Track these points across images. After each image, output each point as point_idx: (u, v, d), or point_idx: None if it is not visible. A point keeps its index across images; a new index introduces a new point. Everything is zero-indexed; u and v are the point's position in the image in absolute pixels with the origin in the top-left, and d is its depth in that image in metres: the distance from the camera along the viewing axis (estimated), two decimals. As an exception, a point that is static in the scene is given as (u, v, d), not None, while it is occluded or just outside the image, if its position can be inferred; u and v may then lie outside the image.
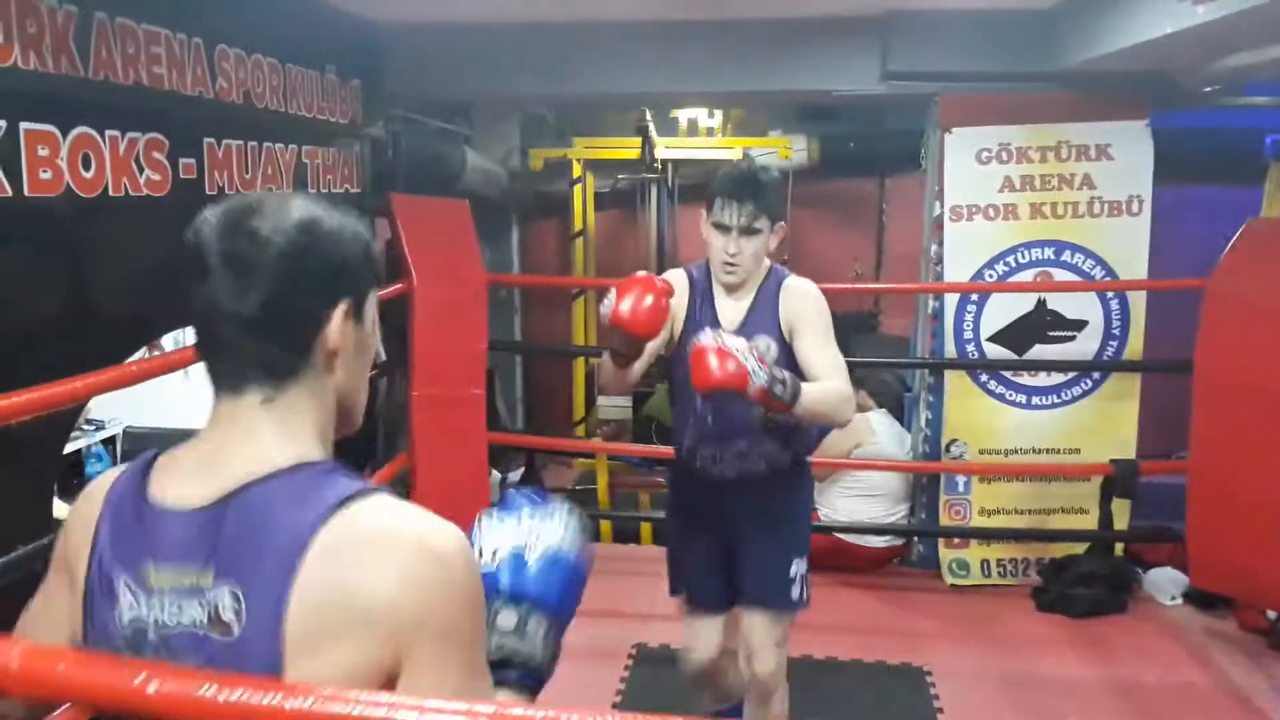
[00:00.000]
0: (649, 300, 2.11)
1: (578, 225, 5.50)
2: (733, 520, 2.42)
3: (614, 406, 5.36)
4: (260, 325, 0.94)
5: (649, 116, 5.11)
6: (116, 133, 2.41)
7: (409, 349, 3.66)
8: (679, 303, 2.35)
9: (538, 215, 6.02)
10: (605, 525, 4.77)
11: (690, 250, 5.65)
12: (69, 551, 1.00)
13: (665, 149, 5.29)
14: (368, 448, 4.05)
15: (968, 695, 3.29)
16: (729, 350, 2.03)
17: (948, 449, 4.19)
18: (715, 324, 2.31)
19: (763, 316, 2.33)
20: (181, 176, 2.69)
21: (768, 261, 2.37)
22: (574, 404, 5.64)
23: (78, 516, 1.00)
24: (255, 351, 0.95)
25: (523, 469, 5.01)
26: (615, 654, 3.46)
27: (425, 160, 4.31)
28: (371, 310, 1.04)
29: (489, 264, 4.59)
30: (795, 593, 2.43)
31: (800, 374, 2.21)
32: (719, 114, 5.76)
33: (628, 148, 5.30)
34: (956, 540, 4.22)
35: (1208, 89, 3.89)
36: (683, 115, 5.75)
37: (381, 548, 0.88)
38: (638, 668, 3.41)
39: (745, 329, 2.29)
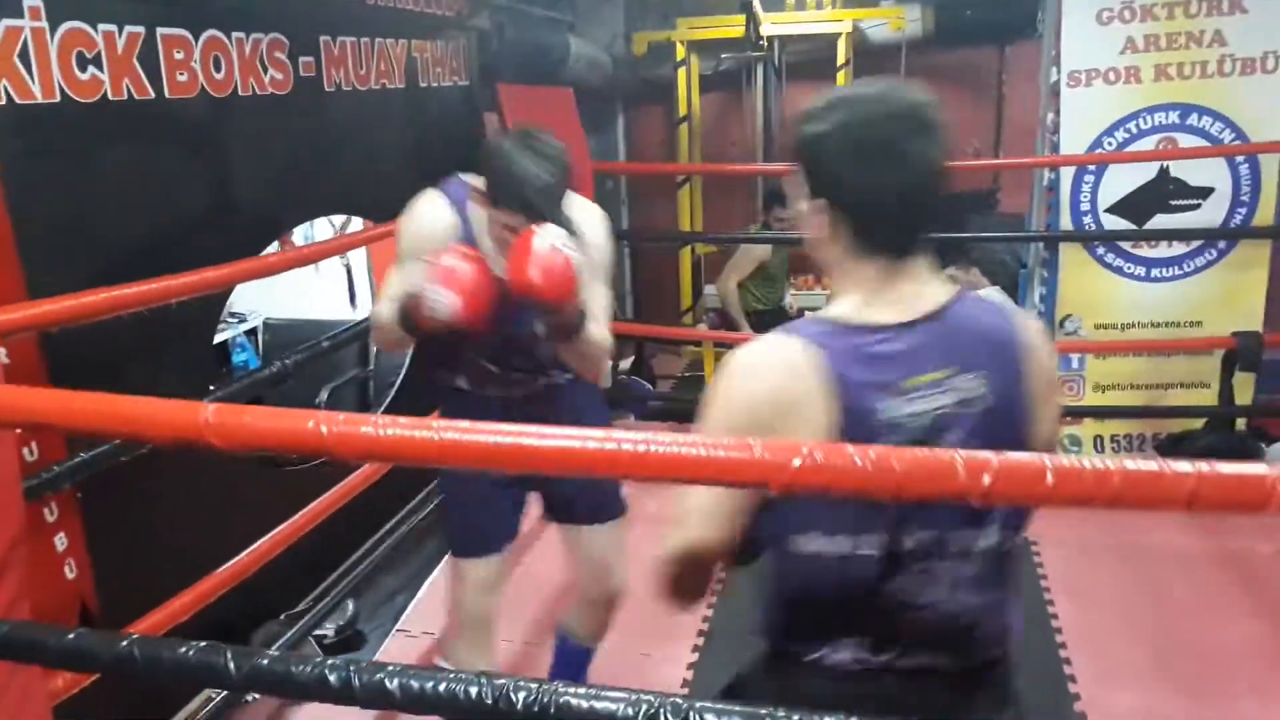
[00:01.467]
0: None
1: (682, 110, 5.47)
2: None
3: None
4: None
5: (753, -9, 5.00)
6: (242, 34, 2.55)
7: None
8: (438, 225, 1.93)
9: (642, 101, 6.01)
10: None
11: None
12: (773, 415, 1.13)
13: (771, 25, 5.17)
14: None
15: (1073, 565, 3.33)
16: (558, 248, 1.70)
17: (1061, 325, 4.13)
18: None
19: None
20: (302, 75, 2.83)
21: None
22: (681, 292, 5.72)
23: (780, 392, 1.14)
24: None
25: (632, 358, 5.14)
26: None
27: (530, 50, 4.35)
28: None
29: (594, 153, 4.63)
30: (623, 492, 2.21)
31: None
32: (827, -14, 5.58)
33: (732, 26, 5.19)
34: (1069, 416, 4.18)
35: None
36: (788, -11, 5.60)
37: (1045, 343, 1.25)
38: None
39: None
